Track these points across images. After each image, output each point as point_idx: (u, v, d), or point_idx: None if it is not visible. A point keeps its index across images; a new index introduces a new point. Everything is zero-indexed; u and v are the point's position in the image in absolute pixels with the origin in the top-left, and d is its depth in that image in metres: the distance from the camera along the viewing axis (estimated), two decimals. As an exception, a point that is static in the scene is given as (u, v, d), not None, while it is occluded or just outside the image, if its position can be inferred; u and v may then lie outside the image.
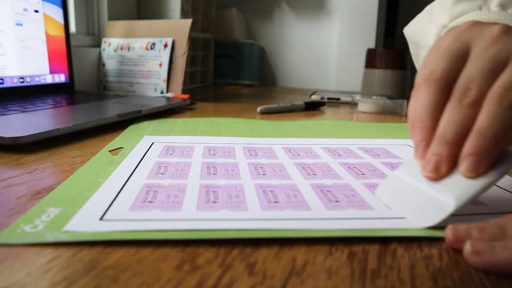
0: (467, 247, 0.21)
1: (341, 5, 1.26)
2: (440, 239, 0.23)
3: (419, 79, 0.28)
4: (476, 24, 0.29)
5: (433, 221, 0.24)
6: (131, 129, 0.50)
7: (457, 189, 0.24)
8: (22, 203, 0.26)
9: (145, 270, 0.19)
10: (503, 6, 0.34)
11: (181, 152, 0.39)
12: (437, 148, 0.25)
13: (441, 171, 0.25)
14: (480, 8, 0.36)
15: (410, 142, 0.47)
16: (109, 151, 0.39)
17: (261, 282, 0.18)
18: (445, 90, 0.26)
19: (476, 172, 0.24)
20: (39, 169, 0.33)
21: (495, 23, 0.28)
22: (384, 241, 0.23)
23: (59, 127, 0.42)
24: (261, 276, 0.19)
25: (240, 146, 0.42)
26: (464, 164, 0.24)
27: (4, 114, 0.48)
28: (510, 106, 0.24)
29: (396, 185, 0.28)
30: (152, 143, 0.42)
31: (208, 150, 0.40)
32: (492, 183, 0.24)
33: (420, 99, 0.27)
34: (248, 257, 0.20)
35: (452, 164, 0.25)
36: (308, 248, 0.21)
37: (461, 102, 0.25)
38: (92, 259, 0.19)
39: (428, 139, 0.26)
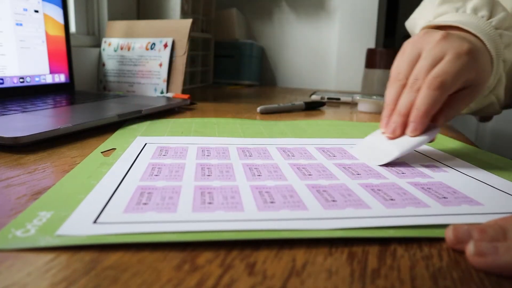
0: (470, 248, 0.21)
1: (341, 5, 1.26)
2: (440, 239, 0.23)
3: (391, 76, 0.41)
4: (426, 32, 0.40)
5: (382, 162, 0.37)
6: (122, 130, 0.48)
7: (402, 144, 0.37)
8: (22, 203, 0.26)
9: (145, 270, 0.19)
10: (475, 10, 0.46)
11: (174, 153, 0.38)
12: (395, 118, 0.39)
13: (396, 132, 0.38)
14: (457, 11, 0.48)
15: None
16: (101, 152, 0.38)
17: (261, 282, 0.18)
18: (404, 84, 0.39)
19: (414, 132, 0.37)
20: (39, 169, 0.33)
21: (440, 30, 0.40)
22: (384, 241, 0.23)
23: (59, 127, 0.42)
24: (261, 276, 0.19)
25: (234, 146, 0.42)
26: (408, 127, 0.38)
27: (4, 114, 0.48)
28: (435, 88, 0.36)
29: (365, 145, 0.42)
30: (145, 144, 0.42)
31: (202, 151, 0.40)
32: (424, 141, 0.37)
33: (390, 91, 0.40)
34: (248, 257, 0.20)
35: (403, 128, 0.38)
36: (308, 248, 0.21)
37: (411, 89, 0.38)
38: (92, 259, 0.19)
39: (390, 116, 0.39)
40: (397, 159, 0.37)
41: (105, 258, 0.20)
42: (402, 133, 0.38)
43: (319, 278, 0.19)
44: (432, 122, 0.38)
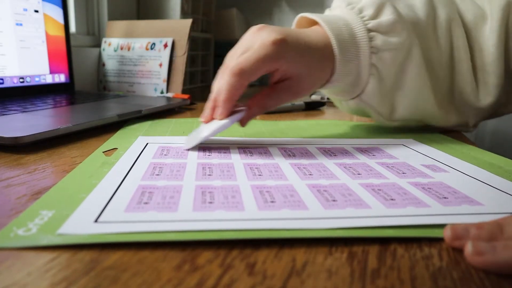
0: (468, 248, 0.21)
1: (341, 5, 1.26)
2: (440, 239, 0.23)
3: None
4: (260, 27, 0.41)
5: (190, 146, 0.40)
6: (124, 130, 0.49)
7: (210, 127, 0.39)
8: (22, 203, 0.26)
9: (145, 270, 0.19)
10: (361, 9, 0.45)
11: (176, 153, 0.38)
12: (208, 103, 0.41)
13: (206, 116, 0.41)
14: (347, 5, 0.47)
15: (405, 142, 0.47)
16: (103, 152, 0.38)
17: (261, 282, 0.18)
18: None
19: (220, 116, 0.39)
20: (39, 169, 0.33)
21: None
22: (384, 241, 0.23)
23: (59, 127, 0.42)
24: (261, 276, 0.19)
25: (235, 146, 0.42)
26: (215, 111, 0.39)
27: (4, 114, 0.48)
28: (234, 75, 0.37)
29: (191, 135, 0.43)
30: (147, 143, 0.42)
31: (203, 150, 0.40)
32: (226, 125, 0.39)
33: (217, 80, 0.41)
34: (248, 257, 0.20)
35: (213, 112, 0.40)
36: (308, 248, 0.21)
37: (221, 75, 0.39)
38: (92, 259, 0.19)
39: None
40: (205, 141, 0.41)
41: (105, 258, 0.20)
42: (212, 117, 0.40)
43: (319, 278, 0.19)
44: (250, 108, 0.41)
